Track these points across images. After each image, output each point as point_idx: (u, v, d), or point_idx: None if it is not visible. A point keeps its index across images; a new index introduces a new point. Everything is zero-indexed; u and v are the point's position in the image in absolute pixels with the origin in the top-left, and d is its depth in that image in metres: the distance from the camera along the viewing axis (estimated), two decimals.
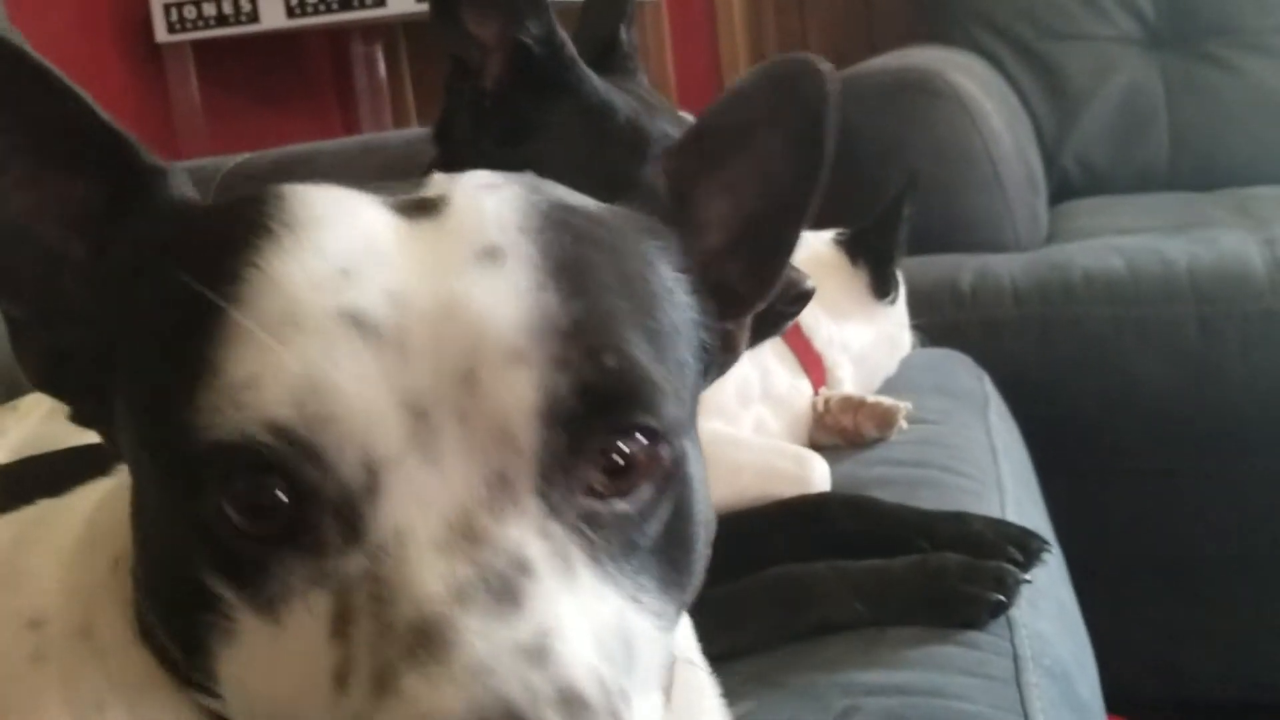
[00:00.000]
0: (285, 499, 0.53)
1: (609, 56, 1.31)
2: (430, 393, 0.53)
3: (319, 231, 0.57)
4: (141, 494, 0.62)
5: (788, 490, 1.33)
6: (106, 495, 0.75)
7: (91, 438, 0.68)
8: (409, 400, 0.53)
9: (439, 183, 0.64)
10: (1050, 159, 2.79)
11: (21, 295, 0.64)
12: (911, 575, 1.14)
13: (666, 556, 0.60)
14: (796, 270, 1.12)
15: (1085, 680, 1.19)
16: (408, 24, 3.51)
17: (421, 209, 0.60)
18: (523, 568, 0.52)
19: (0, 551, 0.75)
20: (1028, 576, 1.15)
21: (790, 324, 1.28)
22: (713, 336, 0.68)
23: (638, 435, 0.57)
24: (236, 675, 0.57)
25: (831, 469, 1.40)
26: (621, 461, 0.57)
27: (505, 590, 0.51)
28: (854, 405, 1.57)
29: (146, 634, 0.67)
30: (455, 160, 1.22)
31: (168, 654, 0.64)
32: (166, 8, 3.06)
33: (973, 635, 1.09)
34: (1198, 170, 2.75)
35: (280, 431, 0.52)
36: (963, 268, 2.21)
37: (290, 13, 3.04)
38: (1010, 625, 1.11)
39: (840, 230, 1.75)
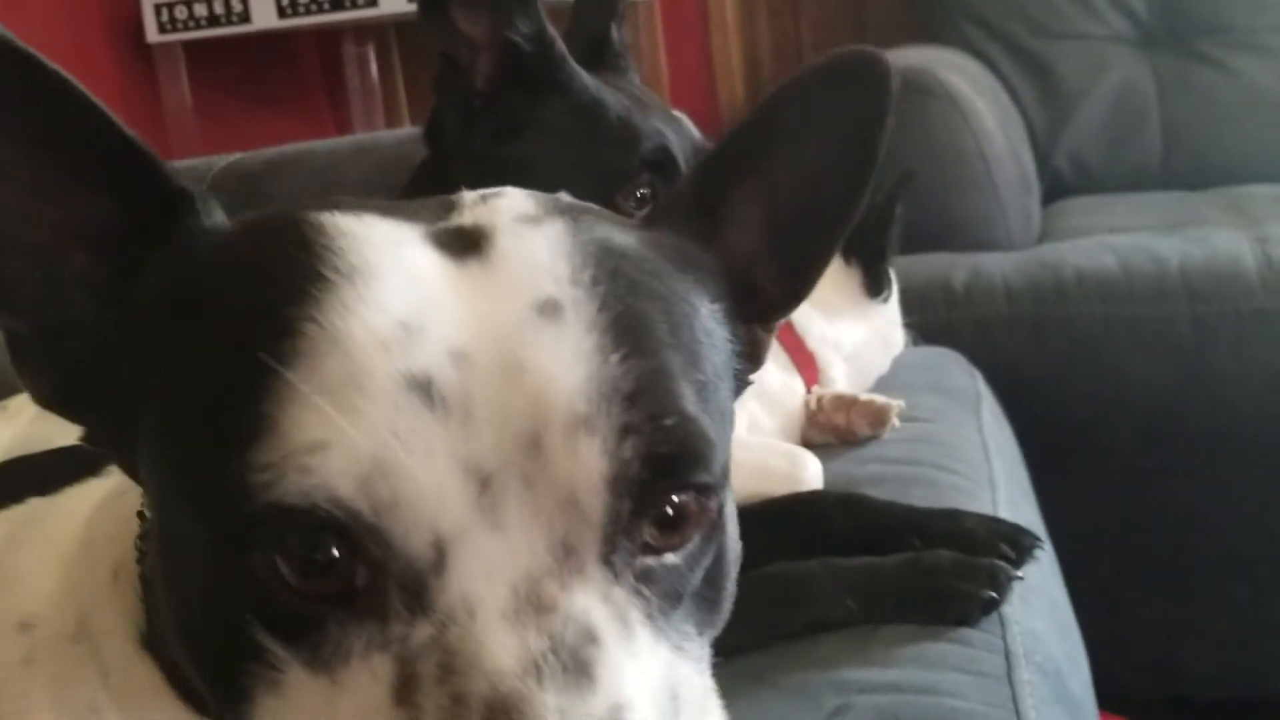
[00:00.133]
0: (346, 563, 0.52)
1: (600, 55, 1.31)
2: (494, 458, 0.53)
3: (375, 281, 0.55)
4: (173, 530, 0.60)
5: (780, 488, 1.33)
6: (104, 499, 0.75)
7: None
8: (473, 468, 0.52)
9: (471, 207, 0.62)
10: (1043, 158, 2.79)
11: (23, 309, 0.62)
12: (904, 573, 1.13)
13: (704, 599, 0.61)
14: None
15: (1077, 677, 1.19)
16: (400, 24, 3.50)
17: (464, 244, 0.58)
18: (591, 637, 0.52)
19: None
20: (1020, 573, 1.15)
21: (782, 322, 1.28)
22: (743, 361, 0.68)
23: (692, 490, 0.58)
24: None
25: (824, 467, 1.40)
26: (673, 514, 0.57)
27: (577, 664, 0.51)
28: (846, 403, 1.57)
29: (149, 645, 0.67)
30: (447, 160, 1.22)
31: (173, 667, 0.64)
32: (157, 8, 3.05)
33: (965, 632, 1.09)
34: (1190, 169, 2.76)
35: (346, 509, 0.51)
36: (955, 266, 2.21)
37: (282, 13, 3.02)
38: (1002, 622, 1.11)
39: None
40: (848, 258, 1.74)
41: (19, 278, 0.61)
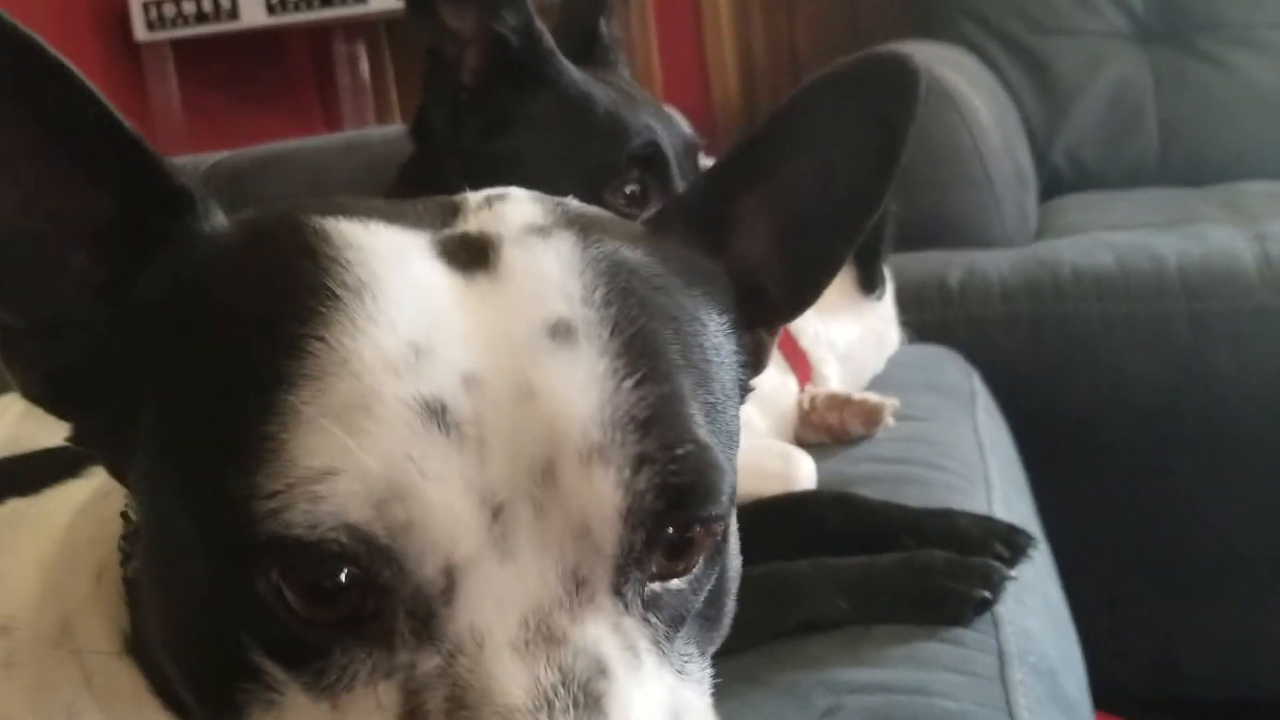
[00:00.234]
0: (354, 589, 0.52)
1: (589, 49, 1.30)
2: (505, 485, 0.52)
3: (383, 298, 0.54)
4: (166, 538, 0.59)
5: (774, 488, 1.33)
6: (86, 500, 0.74)
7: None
8: (486, 494, 0.51)
9: (476, 211, 0.61)
10: (1039, 154, 2.78)
11: (19, 301, 0.60)
12: (897, 572, 1.13)
13: (705, 618, 0.60)
14: None
15: (1072, 677, 1.18)
16: (390, 21, 3.50)
17: (471, 256, 0.57)
18: (602, 670, 0.52)
19: None
20: (1014, 573, 1.14)
21: None
22: (747, 370, 0.67)
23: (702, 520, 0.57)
24: None
25: (818, 466, 1.40)
26: (682, 542, 0.57)
27: (588, 698, 0.51)
28: (840, 402, 1.56)
29: (133, 649, 0.66)
30: (435, 156, 1.21)
31: (157, 673, 0.63)
32: (145, 6, 3.04)
33: (958, 632, 1.08)
34: (1187, 166, 2.75)
35: (358, 534, 0.50)
36: (951, 264, 2.20)
37: (271, 10, 3.02)
38: (996, 622, 1.10)
39: None
40: None
41: (15, 268, 0.60)
